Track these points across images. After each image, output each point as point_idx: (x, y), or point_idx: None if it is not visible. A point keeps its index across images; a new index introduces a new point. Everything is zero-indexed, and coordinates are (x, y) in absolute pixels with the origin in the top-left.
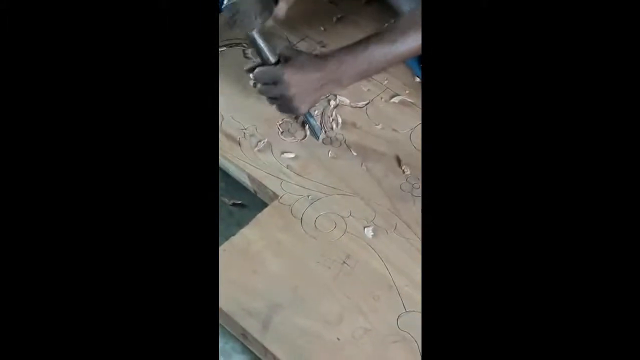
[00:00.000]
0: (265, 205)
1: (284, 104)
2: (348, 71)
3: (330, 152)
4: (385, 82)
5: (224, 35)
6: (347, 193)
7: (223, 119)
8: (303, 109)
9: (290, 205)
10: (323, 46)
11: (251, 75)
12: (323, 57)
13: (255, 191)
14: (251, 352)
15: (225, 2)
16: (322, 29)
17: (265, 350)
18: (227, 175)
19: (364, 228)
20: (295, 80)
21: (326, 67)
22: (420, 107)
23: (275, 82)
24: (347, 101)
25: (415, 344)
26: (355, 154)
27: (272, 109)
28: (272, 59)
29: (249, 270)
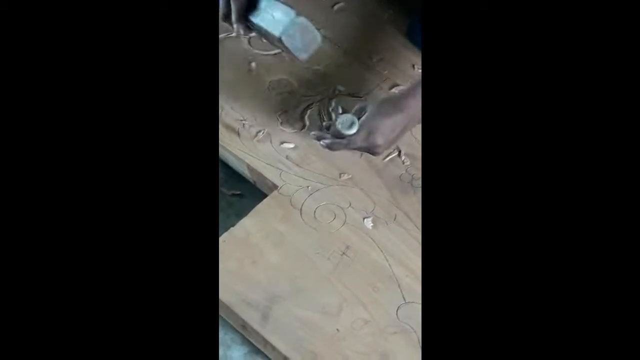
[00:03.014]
0: (264, 195)
1: (369, 150)
2: None
3: None
4: (386, 72)
5: (222, 25)
6: (346, 184)
7: (222, 109)
8: (385, 150)
9: (289, 195)
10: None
11: (325, 141)
12: (401, 97)
13: (254, 182)
14: (251, 343)
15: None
16: (322, 18)
17: (265, 341)
18: (226, 165)
19: (364, 219)
20: (384, 128)
21: (408, 106)
22: None
23: (366, 136)
24: (342, 89)
25: (415, 335)
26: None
27: (272, 99)
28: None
29: (249, 261)
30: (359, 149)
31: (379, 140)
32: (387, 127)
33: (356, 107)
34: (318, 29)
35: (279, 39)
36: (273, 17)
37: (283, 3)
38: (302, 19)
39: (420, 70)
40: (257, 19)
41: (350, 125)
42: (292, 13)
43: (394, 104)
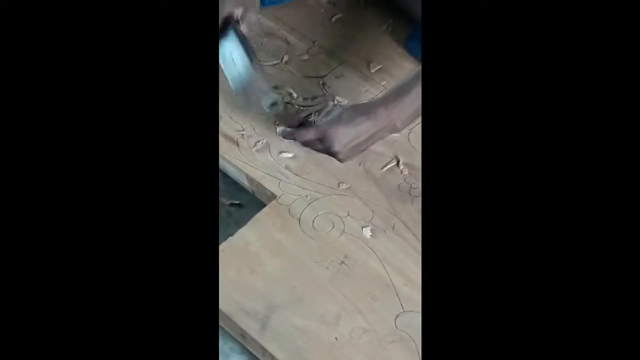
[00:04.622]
0: (263, 205)
1: (328, 154)
2: (400, 115)
3: None
4: (384, 82)
5: None
6: (345, 193)
7: (221, 119)
8: (349, 158)
9: (288, 205)
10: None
11: (282, 134)
12: (369, 105)
13: (253, 191)
14: (250, 352)
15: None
16: (320, 28)
17: (264, 351)
18: (226, 175)
19: (362, 228)
20: (342, 135)
21: (376, 116)
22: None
23: (320, 139)
24: (346, 101)
25: (414, 344)
26: None
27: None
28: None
29: (247, 270)
30: (317, 149)
31: (336, 146)
32: (345, 134)
33: (327, 109)
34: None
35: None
36: (233, 61)
37: (245, 50)
38: (259, 83)
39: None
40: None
41: (271, 105)
42: (250, 69)
43: (359, 111)
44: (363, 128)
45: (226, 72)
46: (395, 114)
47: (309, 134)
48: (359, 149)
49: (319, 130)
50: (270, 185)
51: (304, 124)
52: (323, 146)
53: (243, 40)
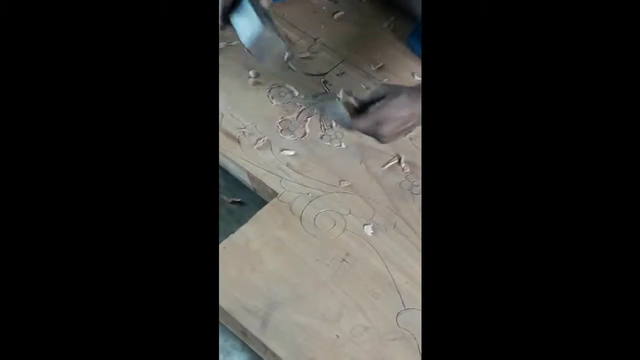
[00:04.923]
0: (264, 203)
1: (373, 136)
2: None
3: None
4: (386, 80)
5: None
6: (346, 191)
7: (223, 117)
8: (390, 141)
9: (289, 203)
10: (322, 43)
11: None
12: (413, 91)
13: (254, 189)
14: (251, 350)
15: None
16: (321, 26)
17: (265, 348)
18: (227, 173)
19: (364, 226)
20: (395, 120)
21: (417, 103)
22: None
23: (372, 125)
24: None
25: (415, 341)
26: (344, 145)
27: (271, 107)
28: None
29: (249, 268)
30: (363, 132)
31: (385, 130)
32: (398, 118)
33: (372, 89)
34: (282, 39)
35: (247, 50)
36: (247, 24)
37: (255, 11)
38: (268, 33)
39: (419, 79)
40: (233, 21)
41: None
42: (259, 25)
43: (410, 95)
44: (407, 114)
45: (242, 38)
46: None
47: (367, 122)
48: (402, 134)
49: (373, 117)
50: (271, 183)
51: (359, 111)
52: (374, 131)
53: (255, 5)
